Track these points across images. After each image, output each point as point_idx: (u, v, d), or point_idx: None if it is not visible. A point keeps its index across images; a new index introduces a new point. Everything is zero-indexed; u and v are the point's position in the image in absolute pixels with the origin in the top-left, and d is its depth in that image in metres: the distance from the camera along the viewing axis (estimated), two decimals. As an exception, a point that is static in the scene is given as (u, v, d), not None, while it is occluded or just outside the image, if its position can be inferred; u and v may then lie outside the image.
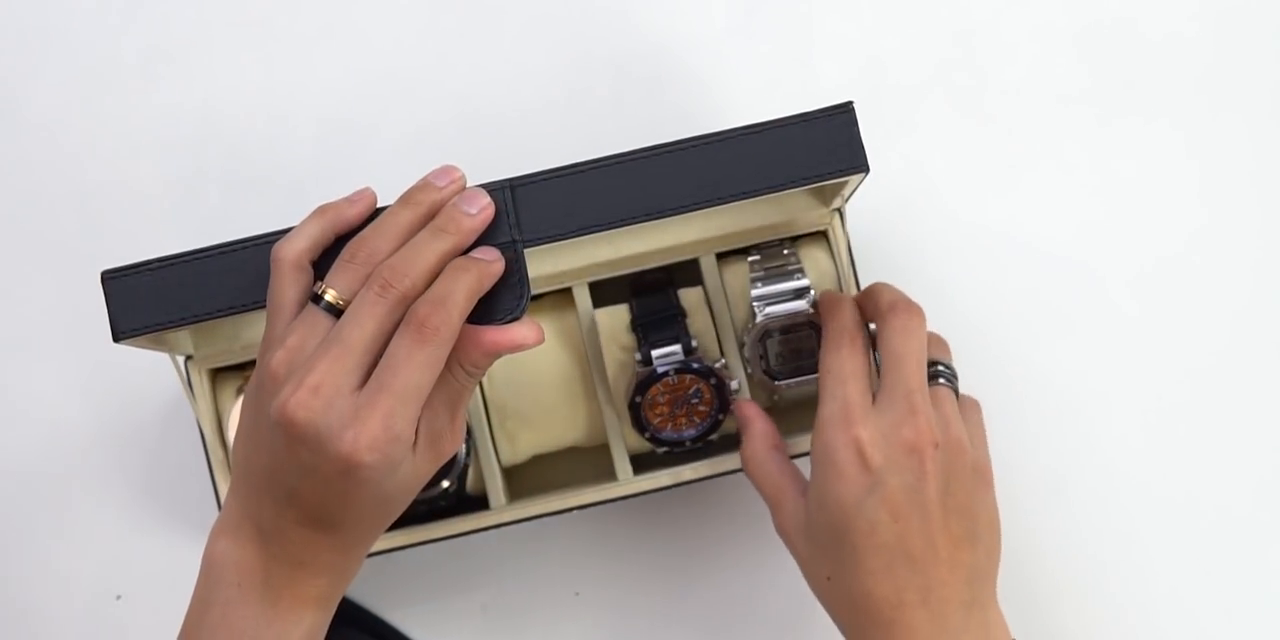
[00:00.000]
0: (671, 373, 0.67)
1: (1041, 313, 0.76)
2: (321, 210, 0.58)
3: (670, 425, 0.68)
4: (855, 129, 0.62)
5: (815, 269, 0.70)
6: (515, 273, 0.58)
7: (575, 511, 0.69)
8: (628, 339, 0.70)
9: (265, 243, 0.60)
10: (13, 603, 0.76)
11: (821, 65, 0.78)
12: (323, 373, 0.53)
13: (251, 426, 0.56)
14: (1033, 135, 0.77)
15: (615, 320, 0.70)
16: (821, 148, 0.62)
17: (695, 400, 0.68)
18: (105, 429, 0.76)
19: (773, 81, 0.77)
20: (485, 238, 0.58)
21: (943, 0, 0.78)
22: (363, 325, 0.54)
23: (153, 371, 0.75)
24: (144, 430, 0.76)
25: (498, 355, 0.56)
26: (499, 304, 0.57)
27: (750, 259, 0.69)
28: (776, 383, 0.69)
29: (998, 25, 0.78)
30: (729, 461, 0.69)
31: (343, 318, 0.54)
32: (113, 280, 0.62)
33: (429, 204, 0.57)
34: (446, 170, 0.58)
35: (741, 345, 0.69)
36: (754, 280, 0.68)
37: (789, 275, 0.68)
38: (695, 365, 0.67)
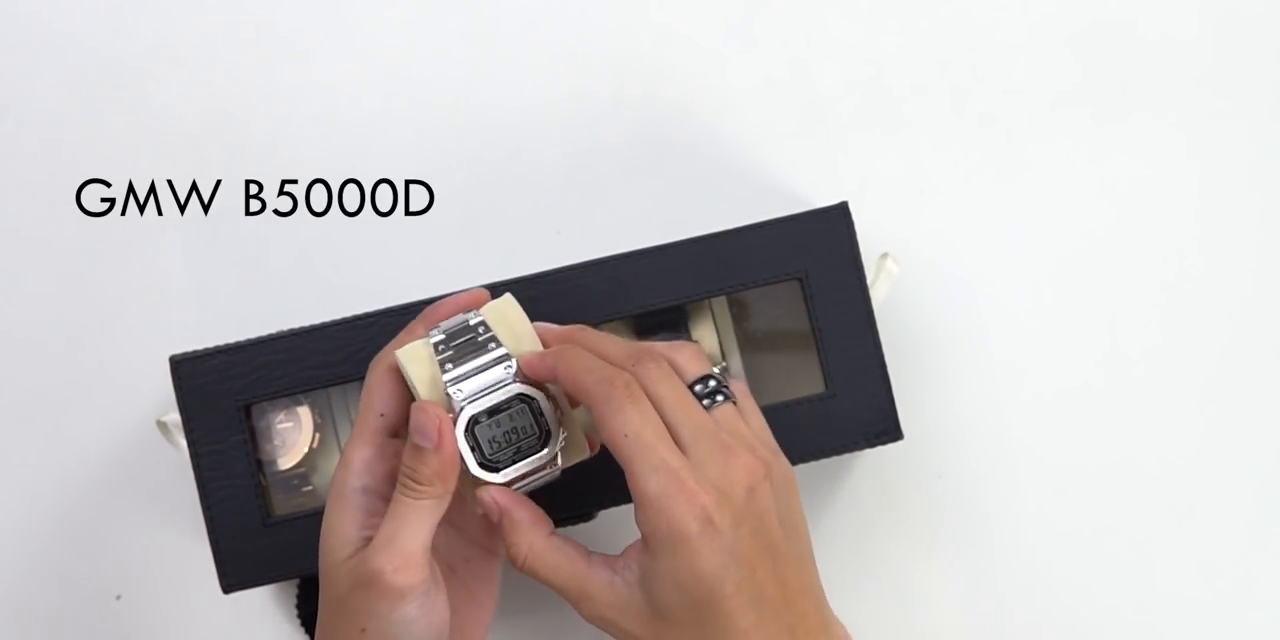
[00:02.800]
0: None
1: (1041, 312, 0.76)
2: None
3: None
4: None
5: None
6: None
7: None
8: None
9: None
10: (12, 602, 0.76)
11: (821, 65, 0.77)
12: None
13: None
14: (1032, 136, 0.77)
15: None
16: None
17: None
18: (105, 428, 0.76)
19: (772, 81, 0.77)
20: None
21: (942, 1, 0.78)
22: None
23: (152, 371, 0.75)
24: (144, 428, 0.76)
25: None
26: None
27: (434, 341, 0.59)
28: (499, 476, 0.58)
29: (997, 26, 0.78)
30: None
31: None
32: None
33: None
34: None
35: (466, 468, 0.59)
36: (444, 364, 0.58)
37: (482, 348, 0.59)
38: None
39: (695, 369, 0.59)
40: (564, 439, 0.59)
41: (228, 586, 0.67)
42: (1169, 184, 0.77)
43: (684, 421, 0.56)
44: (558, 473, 0.60)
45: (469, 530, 0.63)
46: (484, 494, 0.58)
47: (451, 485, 0.57)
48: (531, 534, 0.58)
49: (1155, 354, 0.76)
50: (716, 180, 0.76)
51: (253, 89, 0.79)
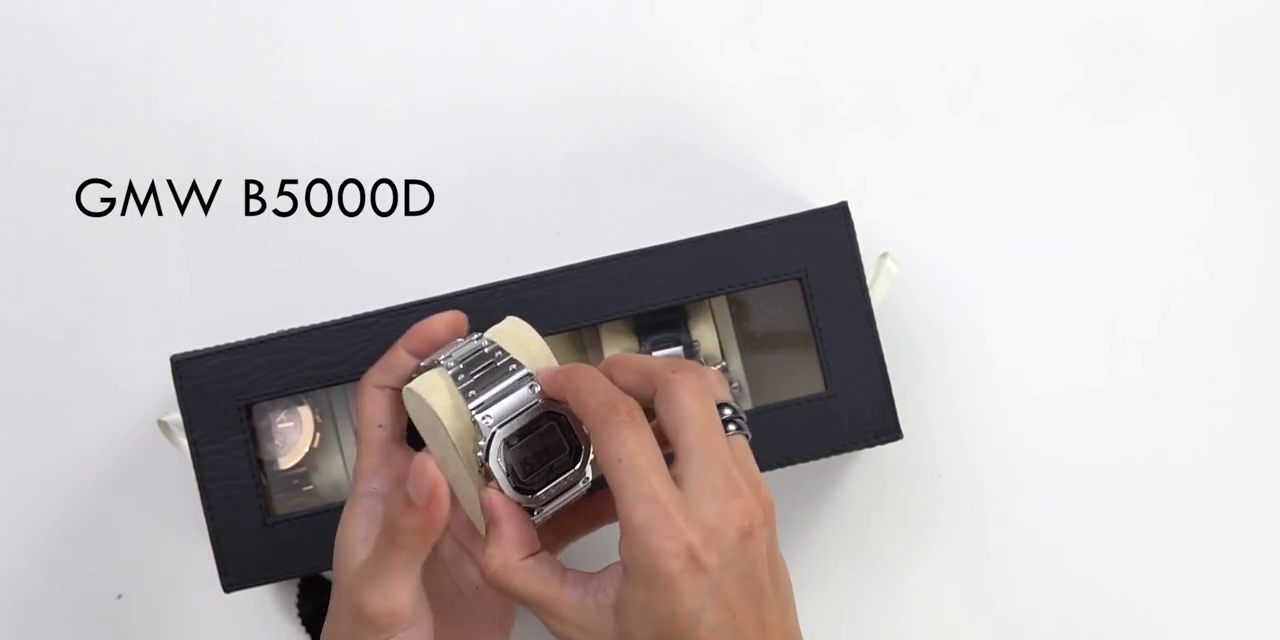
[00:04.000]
0: None
1: (1041, 312, 0.76)
2: None
3: None
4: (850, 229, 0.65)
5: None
6: None
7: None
8: (630, 342, 0.70)
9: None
10: (13, 602, 0.76)
11: (821, 65, 0.77)
12: None
13: None
14: (1032, 136, 0.77)
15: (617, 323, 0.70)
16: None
17: None
18: (106, 428, 0.76)
19: (772, 82, 0.77)
20: None
21: (942, 1, 0.78)
22: None
23: (153, 371, 0.75)
24: (145, 428, 0.76)
25: None
26: None
27: (450, 372, 0.58)
28: (535, 498, 0.57)
29: (997, 26, 0.78)
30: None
31: None
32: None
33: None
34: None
35: (482, 467, 0.57)
36: (465, 392, 0.57)
37: (503, 371, 0.58)
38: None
39: (719, 394, 0.57)
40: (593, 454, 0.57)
41: (228, 586, 0.67)
42: (1169, 184, 0.77)
43: (701, 446, 0.54)
44: (589, 485, 0.58)
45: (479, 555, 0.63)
46: (486, 497, 0.57)
47: (430, 542, 0.56)
48: (509, 552, 0.56)
49: (1155, 354, 0.76)
50: (716, 180, 0.76)
51: (253, 89, 0.79)
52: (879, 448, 0.68)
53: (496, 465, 0.56)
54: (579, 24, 0.78)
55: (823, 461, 0.68)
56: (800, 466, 0.68)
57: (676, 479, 0.54)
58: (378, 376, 0.61)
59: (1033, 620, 0.74)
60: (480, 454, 0.56)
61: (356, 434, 0.62)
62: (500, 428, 0.57)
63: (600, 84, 0.78)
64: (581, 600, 0.55)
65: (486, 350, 0.58)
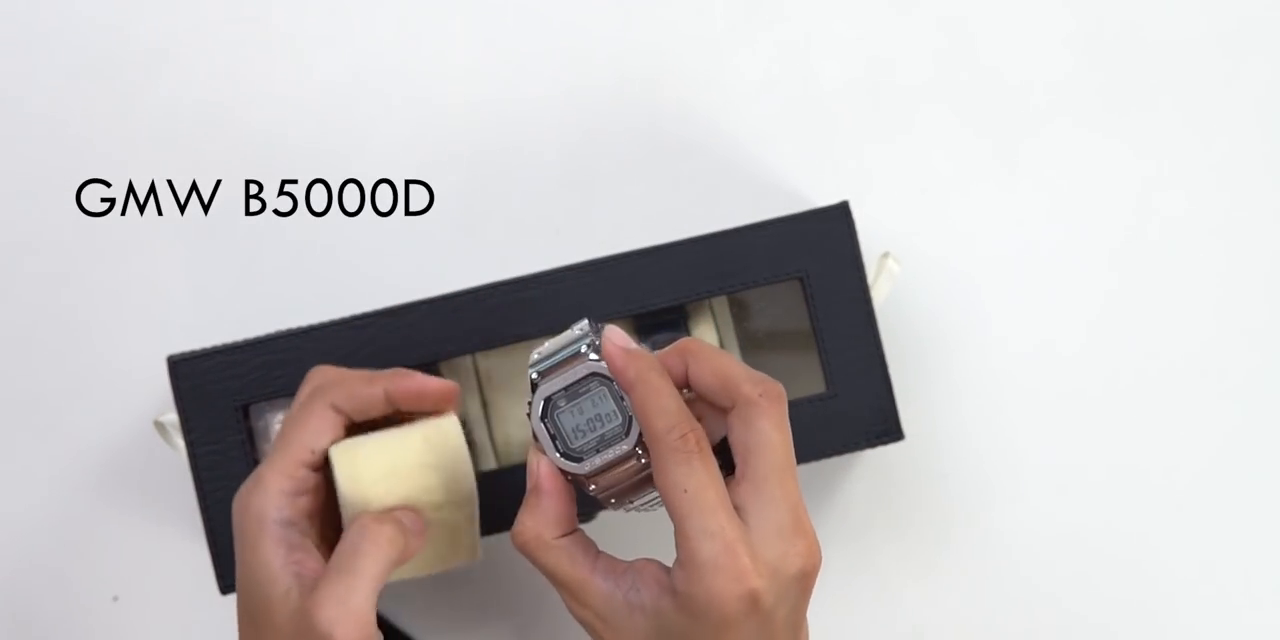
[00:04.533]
0: None
1: (1043, 312, 0.76)
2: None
3: None
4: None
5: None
6: None
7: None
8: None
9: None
10: (9, 603, 0.76)
11: (821, 65, 0.77)
12: None
13: None
14: (1033, 135, 0.77)
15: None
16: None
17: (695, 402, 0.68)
18: (103, 428, 0.76)
19: (773, 80, 0.77)
20: None
21: (943, 0, 0.78)
22: None
23: (151, 371, 0.75)
24: (142, 429, 0.76)
25: None
26: None
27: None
28: (582, 467, 0.54)
29: (998, 25, 0.78)
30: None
31: None
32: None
33: None
34: None
35: (535, 438, 0.56)
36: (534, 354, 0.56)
37: (569, 330, 0.56)
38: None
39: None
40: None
41: (225, 587, 0.67)
42: (1173, 182, 0.77)
43: (774, 481, 0.53)
44: (647, 465, 0.54)
45: None
46: (533, 461, 0.55)
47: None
48: (545, 527, 0.54)
49: (1157, 354, 0.75)
50: (716, 180, 0.76)
51: (253, 89, 0.79)
52: (880, 448, 0.68)
53: (540, 426, 0.54)
54: (579, 24, 0.78)
55: (824, 462, 0.68)
56: (801, 467, 0.67)
57: (738, 507, 0.52)
58: (340, 399, 0.60)
59: (1034, 620, 0.74)
60: (526, 413, 0.55)
61: (276, 442, 0.60)
62: (545, 382, 0.54)
63: (600, 83, 0.78)
64: (610, 593, 0.54)
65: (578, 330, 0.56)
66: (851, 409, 0.67)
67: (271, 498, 0.58)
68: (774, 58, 0.78)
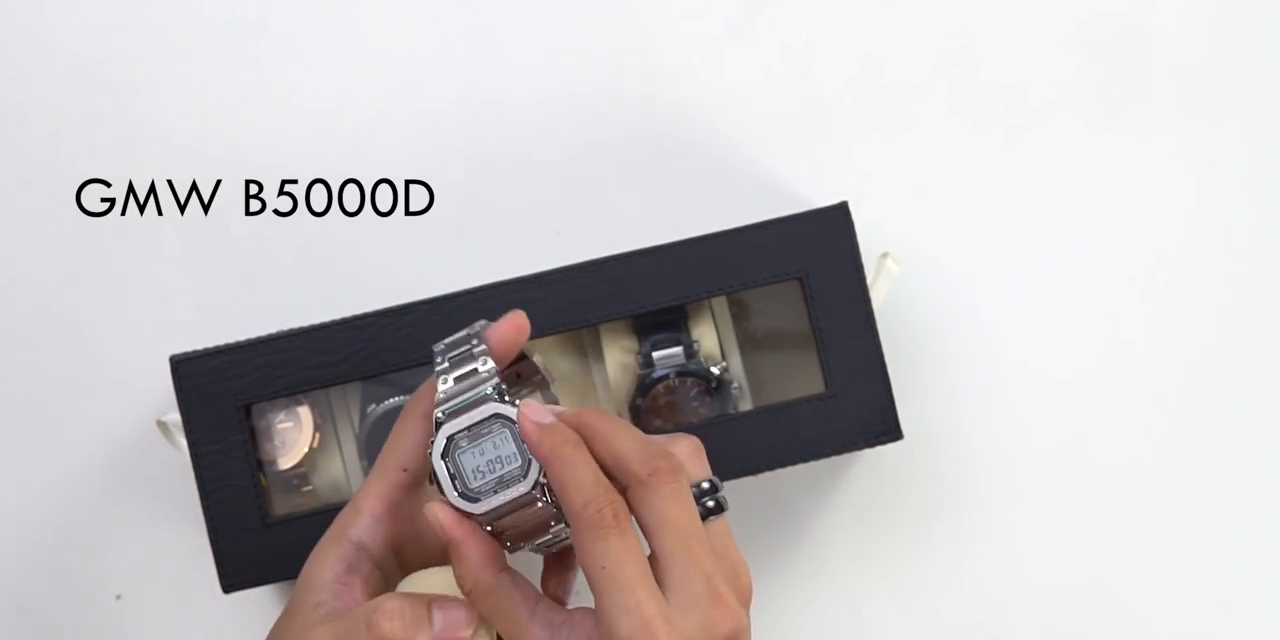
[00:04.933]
0: (672, 375, 0.67)
1: (1042, 312, 0.76)
2: None
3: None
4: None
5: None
6: None
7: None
8: (630, 342, 0.70)
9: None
10: (12, 602, 0.76)
11: (820, 65, 0.77)
12: None
13: None
14: (1032, 135, 0.77)
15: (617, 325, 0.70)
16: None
17: (696, 404, 0.68)
18: (105, 428, 0.76)
19: (772, 81, 0.77)
20: None
21: (942, 0, 0.78)
22: None
23: (152, 371, 0.75)
24: (144, 428, 0.76)
25: None
26: None
27: (435, 348, 0.57)
28: (478, 507, 0.53)
29: (997, 25, 0.78)
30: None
31: None
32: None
33: None
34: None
35: (431, 477, 0.55)
36: (439, 376, 0.56)
37: (473, 359, 0.55)
38: (694, 368, 0.67)
39: (695, 472, 0.55)
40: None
41: (228, 586, 0.67)
42: (1169, 182, 0.77)
43: (681, 554, 0.52)
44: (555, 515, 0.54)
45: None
46: (431, 512, 0.54)
47: None
48: (480, 572, 0.54)
49: (1156, 354, 0.76)
50: (716, 180, 0.76)
51: (253, 89, 0.79)
52: (879, 448, 0.68)
53: (440, 464, 0.54)
54: (579, 24, 0.78)
55: (823, 462, 0.68)
56: (800, 467, 0.68)
57: (658, 579, 0.52)
58: (423, 405, 0.58)
59: (1033, 620, 0.74)
60: (428, 452, 0.54)
61: (379, 461, 0.59)
62: (449, 420, 0.54)
63: (600, 83, 0.78)
64: (548, 634, 0.53)
65: (467, 333, 0.56)
66: (850, 409, 0.67)
67: (361, 520, 0.58)
68: (773, 58, 0.78)
